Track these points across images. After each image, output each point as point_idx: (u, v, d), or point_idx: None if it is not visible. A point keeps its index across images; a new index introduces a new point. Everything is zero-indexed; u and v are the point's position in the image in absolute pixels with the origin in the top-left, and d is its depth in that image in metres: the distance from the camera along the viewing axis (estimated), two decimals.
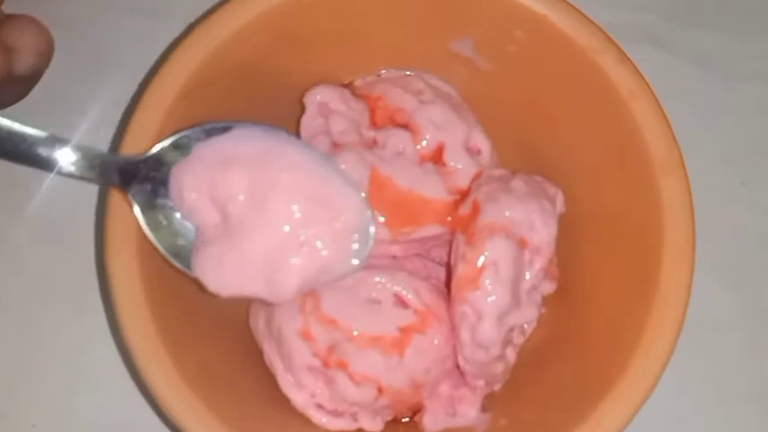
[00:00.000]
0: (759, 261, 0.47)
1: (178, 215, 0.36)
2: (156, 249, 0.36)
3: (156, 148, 0.36)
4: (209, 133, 0.36)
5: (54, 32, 0.51)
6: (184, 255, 0.36)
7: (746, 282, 0.47)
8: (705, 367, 0.45)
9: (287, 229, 0.35)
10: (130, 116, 0.37)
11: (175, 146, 0.36)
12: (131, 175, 0.35)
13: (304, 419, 0.38)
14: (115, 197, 0.36)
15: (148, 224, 0.36)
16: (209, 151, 0.36)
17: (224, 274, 0.35)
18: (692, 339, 0.38)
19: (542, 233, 0.37)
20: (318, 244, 0.36)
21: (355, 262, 0.36)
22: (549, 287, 0.40)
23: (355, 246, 0.36)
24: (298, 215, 0.35)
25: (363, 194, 0.37)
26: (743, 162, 0.50)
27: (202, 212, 0.36)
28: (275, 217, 0.35)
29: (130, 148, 0.36)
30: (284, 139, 0.37)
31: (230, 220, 0.36)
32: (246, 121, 0.37)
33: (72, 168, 0.35)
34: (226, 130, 0.36)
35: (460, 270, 0.36)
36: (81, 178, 0.35)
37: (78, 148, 0.35)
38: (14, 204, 0.47)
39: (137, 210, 0.35)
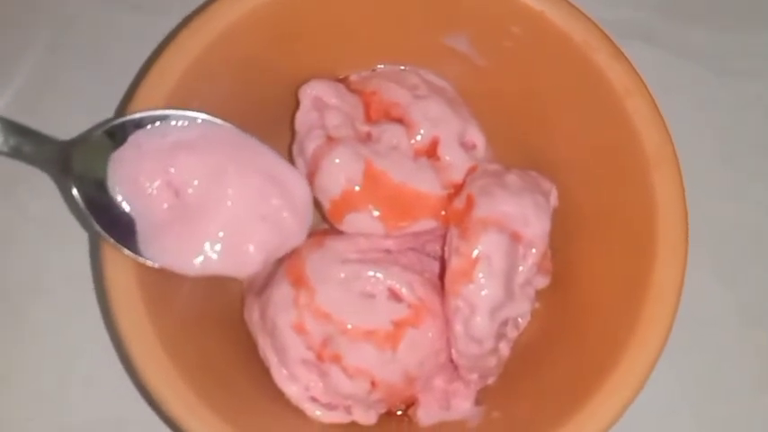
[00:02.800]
0: (754, 257, 0.48)
1: (120, 200, 0.36)
2: None
3: (91, 134, 0.36)
4: (144, 122, 0.37)
5: (51, 28, 0.51)
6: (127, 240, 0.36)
7: (742, 278, 0.47)
8: (700, 363, 0.45)
9: (247, 205, 0.37)
10: (126, 109, 0.37)
11: (109, 133, 0.36)
12: (70, 160, 0.35)
13: (298, 412, 0.38)
14: None
15: (89, 209, 0.35)
16: (151, 138, 0.36)
17: (186, 255, 0.36)
18: (687, 335, 0.39)
19: (536, 228, 0.37)
20: (280, 218, 0.37)
21: (304, 235, 0.39)
22: (542, 281, 0.40)
23: (307, 216, 0.39)
24: (255, 192, 0.37)
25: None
26: (737, 158, 0.50)
27: (150, 198, 0.36)
28: (233, 195, 0.37)
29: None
30: (224, 126, 0.38)
31: (186, 203, 0.36)
32: (182, 107, 0.37)
33: (6, 145, 0.34)
34: (161, 118, 0.37)
35: (454, 264, 0.36)
36: (16, 156, 0.35)
37: (17, 129, 0.35)
38: (14, 200, 0.47)
39: (76, 193, 0.35)
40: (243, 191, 0.37)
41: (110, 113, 0.47)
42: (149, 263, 0.36)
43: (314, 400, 0.38)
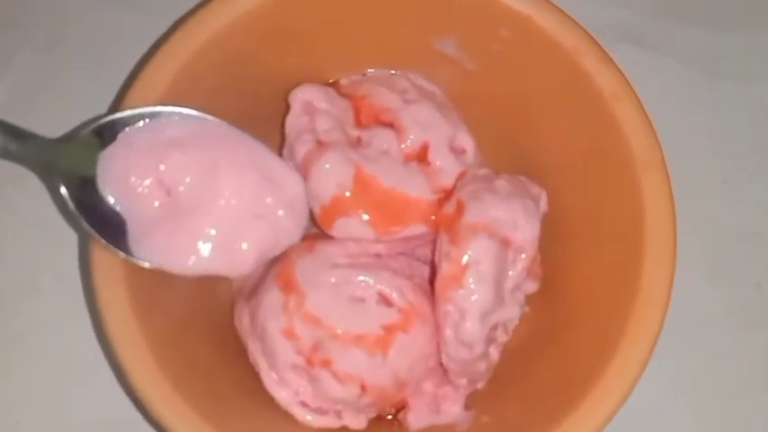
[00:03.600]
0: (742, 257, 0.48)
1: (110, 200, 0.36)
2: None
3: (79, 132, 0.35)
4: (134, 119, 0.36)
5: (49, 27, 0.51)
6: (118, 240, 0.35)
7: (731, 278, 0.47)
8: (690, 362, 0.45)
9: (240, 203, 0.36)
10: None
11: (97, 132, 0.36)
12: (57, 159, 0.35)
13: (288, 417, 0.38)
14: None
15: (78, 208, 0.35)
16: (141, 136, 0.36)
17: (179, 254, 0.36)
18: (677, 335, 0.39)
19: (525, 232, 0.37)
20: (275, 216, 0.37)
21: (301, 232, 0.38)
22: (532, 286, 0.40)
23: (303, 215, 0.38)
24: (249, 189, 0.36)
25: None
26: (726, 159, 0.50)
27: (141, 196, 0.35)
28: (226, 193, 0.36)
29: None
30: (215, 122, 0.37)
31: (178, 201, 0.36)
32: (173, 105, 0.37)
33: None
34: (151, 116, 0.36)
35: (444, 269, 0.36)
36: (3, 155, 0.34)
37: (3, 128, 0.34)
38: (3, 200, 0.47)
39: (64, 192, 0.34)
40: (236, 188, 0.37)
41: (98, 112, 0.47)
42: (141, 263, 0.36)
43: (304, 404, 0.38)
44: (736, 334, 0.46)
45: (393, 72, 0.43)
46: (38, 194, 0.47)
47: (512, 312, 0.38)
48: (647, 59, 0.51)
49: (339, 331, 0.37)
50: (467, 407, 0.39)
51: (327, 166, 0.38)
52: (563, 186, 0.40)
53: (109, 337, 0.34)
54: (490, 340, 0.38)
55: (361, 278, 0.38)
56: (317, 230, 0.41)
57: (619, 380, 0.34)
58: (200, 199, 0.36)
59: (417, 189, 0.39)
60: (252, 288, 0.39)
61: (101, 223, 0.35)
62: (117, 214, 0.36)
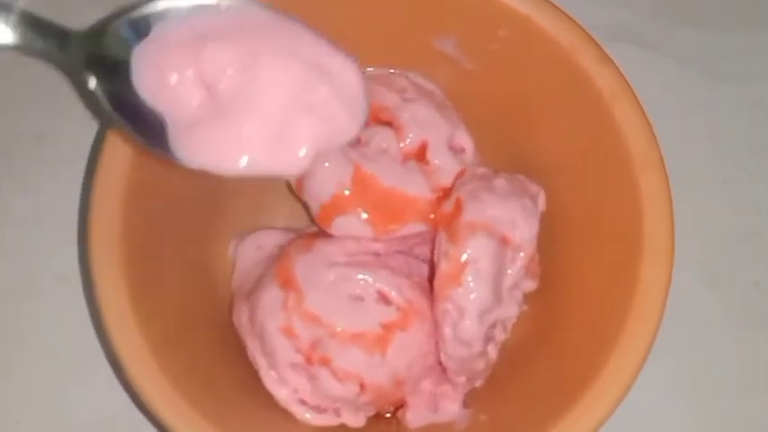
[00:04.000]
0: (742, 257, 0.48)
1: (146, 99, 0.32)
2: (139, 249, 0.36)
3: (110, 25, 0.32)
4: (168, 13, 0.33)
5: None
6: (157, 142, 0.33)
7: (730, 278, 0.47)
8: (689, 362, 0.45)
9: (290, 95, 0.33)
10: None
11: (130, 26, 0.33)
12: (88, 52, 0.32)
13: (287, 415, 0.38)
14: (99, 196, 0.36)
15: (112, 104, 0.32)
16: (178, 29, 0.33)
17: (226, 154, 0.32)
18: (676, 335, 0.39)
19: (524, 231, 0.37)
20: (329, 108, 0.33)
21: (358, 126, 0.34)
22: (530, 285, 0.40)
23: (360, 107, 0.34)
24: (298, 81, 0.33)
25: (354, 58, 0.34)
26: (726, 159, 0.50)
27: (180, 94, 0.32)
28: (274, 85, 0.32)
29: (116, 133, 0.36)
30: (259, 9, 0.33)
31: (221, 97, 0.32)
32: None
33: (19, 38, 0.31)
34: (187, 8, 0.33)
35: (443, 267, 0.37)
36: (29, 51, 0.32)
37: (28, 18, 0.31)
38: (3, 201, 0.47)
39: (94, 86, 0.32)
40: (284, 81, 0.33)
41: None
42: (186, 164, 0.32)
43: (303, 402, 0.38)
44: (734, 334, 0.46)
45: (392, 71, 0.43)
46: (38, 194, 0.47)
47: (510, 311, 0.38)
48: (646, 59, 0.51)
49: (338, 329, 0.37)
50: (465, 405, 0.40)
51: (326, 164, 0.38)
52: (562, 186, 0.41)
53: (108, 336, 0.34)
54: (488, 339, 0.38)
55: (360, 276, 0.38)
56: (315, 229, 0.41)
57: (616, 378, 0.34)
58: (245, 94, 0.32)
59: (416, 188, 0.39)
60: (251, 286, 0.40)
61: (136, 121, 0.32)
62: (154, 114, 0.32)
